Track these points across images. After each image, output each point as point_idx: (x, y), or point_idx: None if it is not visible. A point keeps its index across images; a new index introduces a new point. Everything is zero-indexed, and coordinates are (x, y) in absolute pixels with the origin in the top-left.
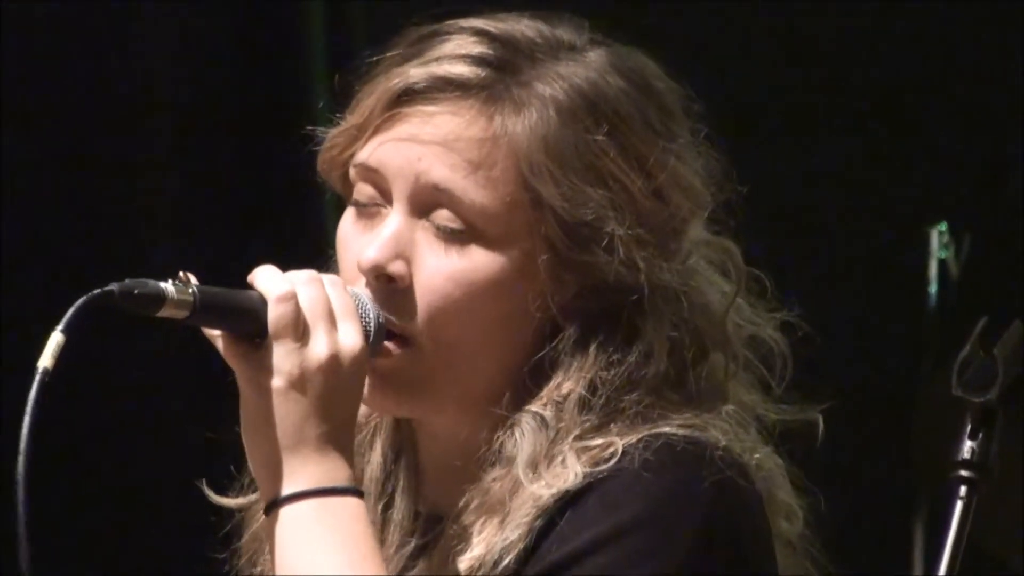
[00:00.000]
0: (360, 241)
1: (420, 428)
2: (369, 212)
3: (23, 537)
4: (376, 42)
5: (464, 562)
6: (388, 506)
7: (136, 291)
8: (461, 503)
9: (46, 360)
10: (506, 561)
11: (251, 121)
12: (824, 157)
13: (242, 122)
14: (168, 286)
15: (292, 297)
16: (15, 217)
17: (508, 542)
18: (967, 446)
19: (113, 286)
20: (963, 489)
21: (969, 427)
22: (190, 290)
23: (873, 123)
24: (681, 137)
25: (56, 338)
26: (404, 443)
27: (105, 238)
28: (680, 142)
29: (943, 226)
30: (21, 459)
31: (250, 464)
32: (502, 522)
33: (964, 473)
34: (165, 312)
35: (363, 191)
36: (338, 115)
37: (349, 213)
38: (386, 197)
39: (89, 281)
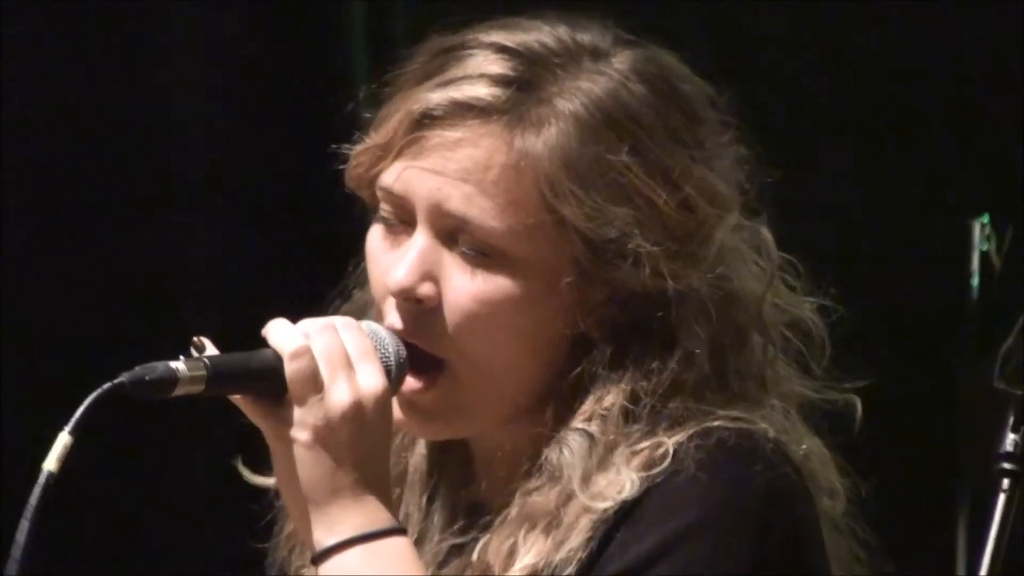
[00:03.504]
0: (388, 258)
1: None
2: (396, 229)
3: None
4: (417, 41)
5: (516, 571)
6: (432, 498)
7: (147, 377)
8: (503, 515)
9: (51, 464)
10: (567, 572)
11: (290, 118)
12: (866, 149)
13: (281, 120)
14: (179, 365)
15: (306, 352)
16: (53, 225)
17: (568, 552)
18: (1010, 439)
19: (123, 377)
20: (1006, 482)
21: (1012, 420)
22: (203, 362)
23: (916, 115)
24: (708, 141)
25: (63, 440)
26: (451, 441)
27: (141, 241)
28: (707, 146)
29: (985, 219)
30: (15, 565)
31: (291, 516)
32: (552, 533)
33: (1007, 466)
34: (180, 391)
35: (388, 209)
36: (360, 134)
37: (377, 228)
38: (411, 219)
39: (122, 301)
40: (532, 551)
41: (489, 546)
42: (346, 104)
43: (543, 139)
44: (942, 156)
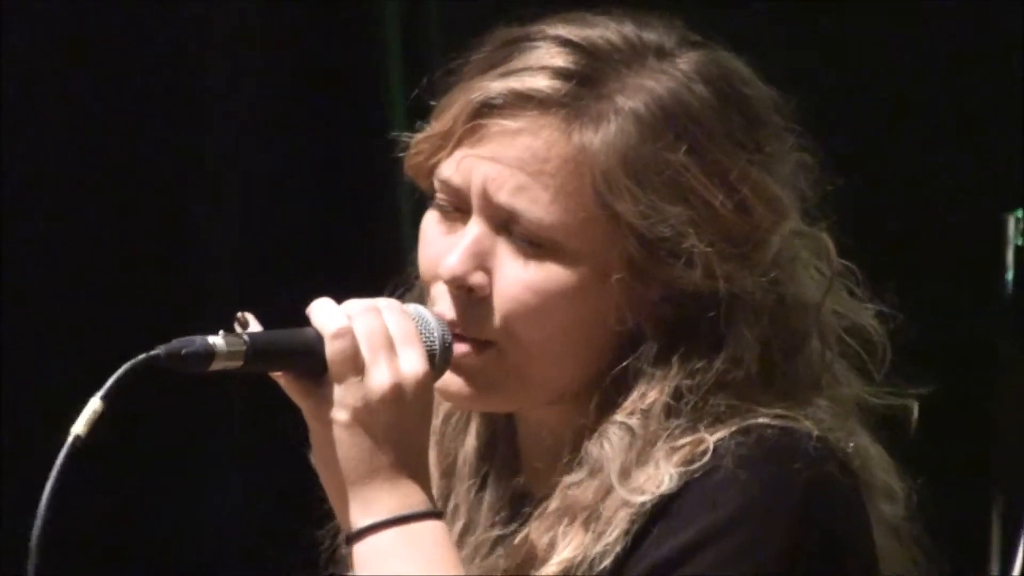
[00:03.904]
0: (441, 243)
1: (519, 418)
2: (451, 217)
3: None
4: (451, 44)
5: (554, 566)
6: (481, 490)
7: (184, 351)
8: (541, 505)
9: (80, 427)
10: (604, 565)
11: (325, 119)
12: (900, 142)
13: (315, 115)
14: (218, 340)
15: (348, 332)
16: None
17: (605, 545)
18: None
19: (159, 349)
20: None
21: None
22: (243, 338)
23: (950, 110)
24: (768, 145)
25: (94, 405)
26: (499, 431)
27: (174, 236)
28: (767, 150)
29: (1020, 213)
30: (38, 524)
31: (328, 496)
32: (591, 527)
33: None
34: (218, 366)
35: (445, 198)
36: (421, 123)
37: (433, 213)
38: (467, 208)
39: (161, 288)
40: (571, 545)
41: (529, 538)
42: (380, 96)
43: (601, 135)
44: (977, 151)
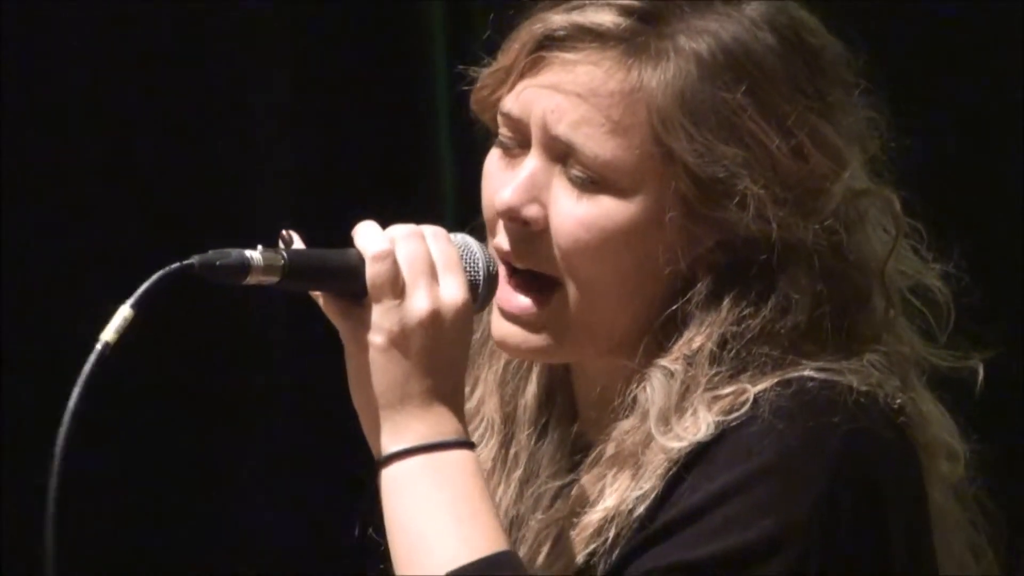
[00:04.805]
0: (500, 178)
1: (574, 367)
2: (512, 153)
3: (50, 519)
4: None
5: (598, 512)
6: (541, 438)
7: (218, 262)
8: (595, 453)
9: (109, 334)
10: (640, 511)
11: (371, 97)
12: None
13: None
14: (255, 253)
15: (390, 255)
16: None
17: (642, 492)
18: None
19: (193, 259)
20: None
21: None
22: (281, 254)
23: (1005, 65)
24: (830, 95)
25: (124, 312)
26: (557, 381)
27: (222, 200)
28: (829, 100)
29: None
30: (62, 430)
31: (361, 420)
32: (635, 474)
33: None
34: (252, 280)
35: (506, 133)
36: (488, 59)
37: (495, 151)
38: (526, 141)
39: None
40: (615, 493)
41: (583, 486)
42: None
43: (659, 72)
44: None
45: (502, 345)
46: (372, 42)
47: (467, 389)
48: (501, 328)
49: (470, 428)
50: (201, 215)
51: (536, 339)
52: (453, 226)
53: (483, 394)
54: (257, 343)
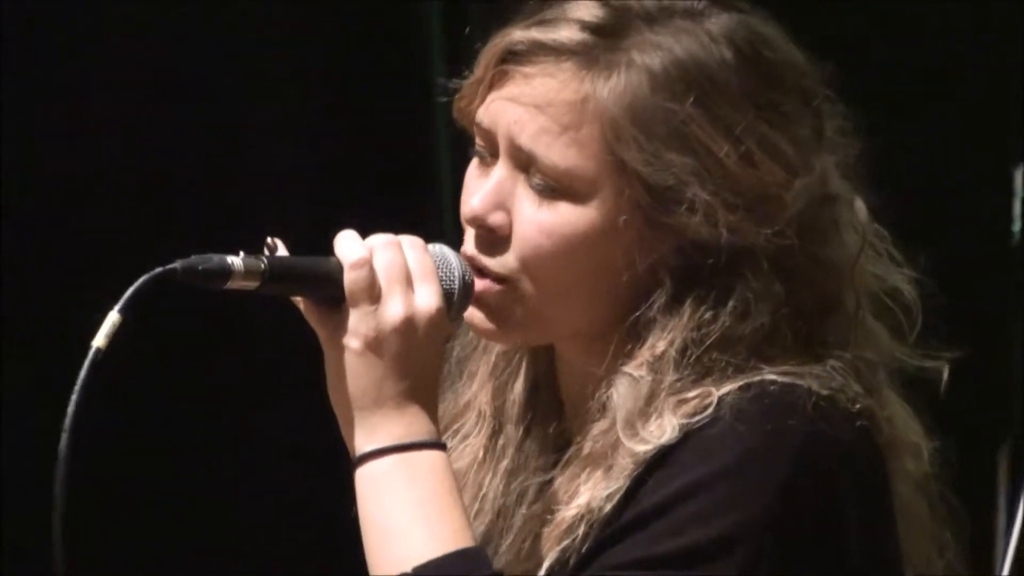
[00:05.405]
0: (474, 187)
1: (558, 360)
2: (487, 162)
3: (58, 522)
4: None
5: (571, 509)
6: (527, 434)
7: (200, 267)
8: (572, 451)
9: (100, 340)
10: (607, 509)
11: (369, 99)
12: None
13: (359, 99)
14: (236, 260)
15: (367, 263)
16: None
17: (609, 491)
18: None
19: (176, 263)
20: None
21: None
22: (262, 261)
23: (958, 69)
24: (785, 106)
25: (112, 318)
26: (542, 377)
27: (225, 202)
28: (783, 110)
29: None
30: (65, 436)
31: (339, 422)
32: (606, 474)
33: None
34: (234, 284)
35: (480, 143)
36: (467, 72)
37: (474, 161)
38: (497, 151)
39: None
40: (588, 491)
41: (561, 483)
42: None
43: (611, 84)
44: (986, 110)
45: (471, 325)
46: (372, 44)
47: (462, 382)
48: (469, 310)
49: (463, 419)
50: (200, 216)
51: (493, 320)
52: (452, 226)
53: (476, 387)
54: (263, 338)
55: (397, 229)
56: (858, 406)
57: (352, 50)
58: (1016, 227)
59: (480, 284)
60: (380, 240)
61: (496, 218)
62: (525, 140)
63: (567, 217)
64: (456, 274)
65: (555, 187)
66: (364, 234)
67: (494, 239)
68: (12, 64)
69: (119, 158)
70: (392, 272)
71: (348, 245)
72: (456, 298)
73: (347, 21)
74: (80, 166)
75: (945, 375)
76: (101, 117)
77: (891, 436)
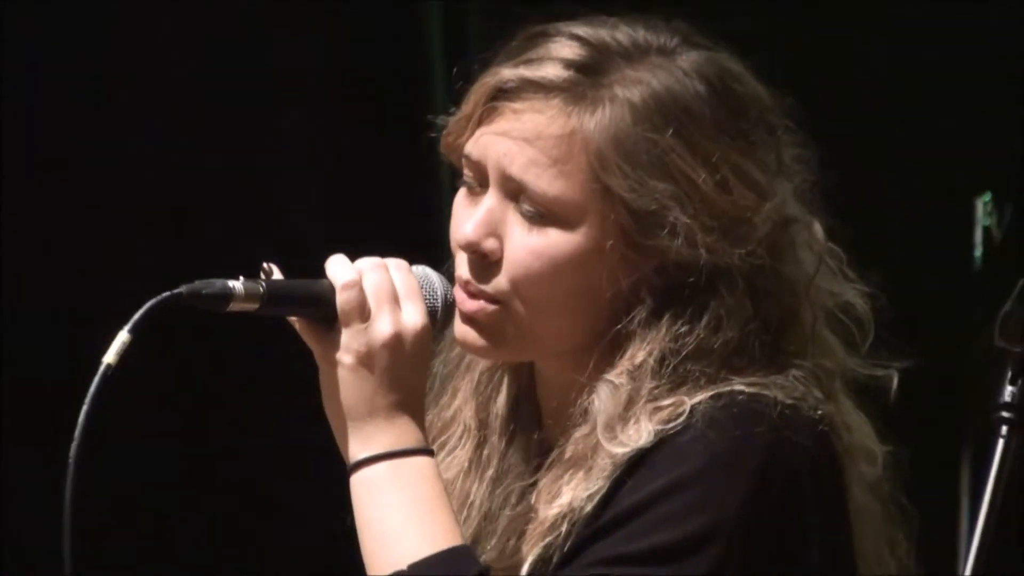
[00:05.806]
0: (464, 215)
1: (538, 375)
2: (475, 191)
3: (67, 530)
4: (490, 43)
5: (554, 509)
6: (510, 443)
7: (204, 291)
8: (554, 455)
9: (110, 357)
10: (588, 508)
11: (371, 112)
12: (875, 130)
13: (362, 112)
14: (236, 284)
15: (357, 284)
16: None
17: (590, 492)
18: (1008, 391)
19: (181, 288)
20: (1004, 429)
21: (1010, 374)
22: (261, 284)
23: (922, 96)
24: (753, 135)
25: (122, 337)
26: (523, 391)
27: (231, 210)
28: (751, 139)
29: (987, 197)
30: (74, 447)
31: (334, 433)
32: (586, 476)
33: (1005, 415)
34: (235, 307)
35: (469, 174)
36: (454, 108)
37: (462, 191)
38: (486, 181)
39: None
40: (570, 492)
41: (544, 485)
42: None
43: (596, 118)
44: (949, 141)
45: (463, 344)
46: (371, 47)
47: (446, 398)
48: (460, 329)
49: (449, 432)
50: (200, 216)
51: (485, 339)
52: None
53: (461, 402)
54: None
55: (397, 228)
56: (819, 412)
57: (352, 50)
58: (977, 253)
59: (473, 305)
60: (368, 263)
61: (489, 244)
62: (516, 171)
63: (556, 241)
64: (439, 293)
65: (545, 214)
66: (355, 253)
67: (487, 263)
68: (12, 65)
69: (135, 160)
70: (380, 292)
71: (339, 268)
72: (439, 315)
73: (347, 17)
74: (90, 169)
75: (895, 382)
76: (108, 123)
77: (848, 441)
